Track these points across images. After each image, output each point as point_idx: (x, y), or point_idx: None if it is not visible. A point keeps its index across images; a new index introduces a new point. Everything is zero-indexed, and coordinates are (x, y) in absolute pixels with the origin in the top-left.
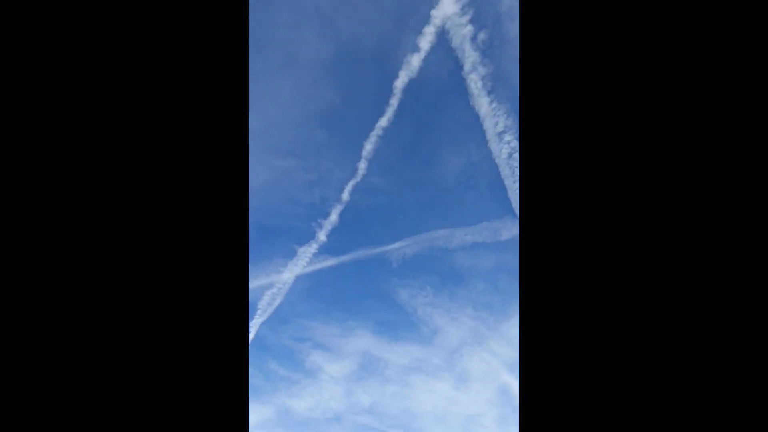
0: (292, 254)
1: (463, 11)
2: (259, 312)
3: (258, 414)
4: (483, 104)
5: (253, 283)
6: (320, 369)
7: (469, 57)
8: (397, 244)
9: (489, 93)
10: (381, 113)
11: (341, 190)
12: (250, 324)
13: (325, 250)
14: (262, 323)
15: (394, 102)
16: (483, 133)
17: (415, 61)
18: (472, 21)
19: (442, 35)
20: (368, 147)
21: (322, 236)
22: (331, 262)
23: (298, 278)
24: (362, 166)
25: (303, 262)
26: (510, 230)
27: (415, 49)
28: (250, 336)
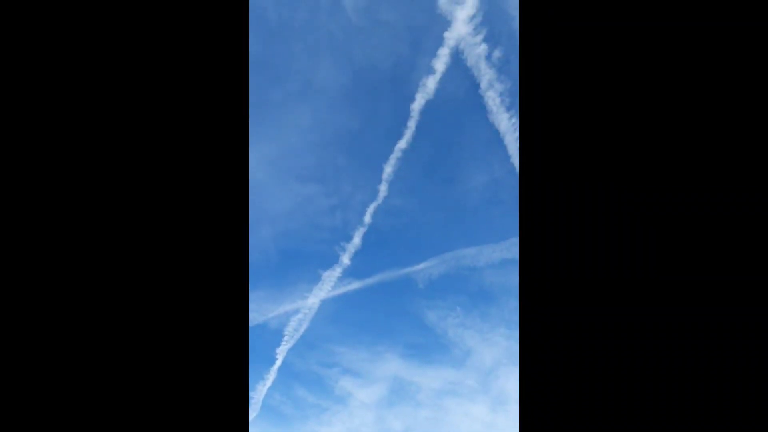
0: (316, 279)
1: (476, 31)
2: (285, 338)
3: None
4: (503, 120)
5: (278, 310)
6: (350, 395)
7: (485, 75)
8: (422, 265)
9: (508, 108)
10: (399, 136)
11: (363, 213)
12: (277, 351)
13: (350, 273)
14: (289, 349)
15: (411, 124)
16: (504, 148)
17: (431, 83)
18: (485, 40)
19: (457, 56)
20: (388, 169)
21: (345, 260)
22: (356, 285)
23: (324, 302)
24: (383, 188)
25: (328, 286)
26: None
27: (431, 71)
28: (278, 363)
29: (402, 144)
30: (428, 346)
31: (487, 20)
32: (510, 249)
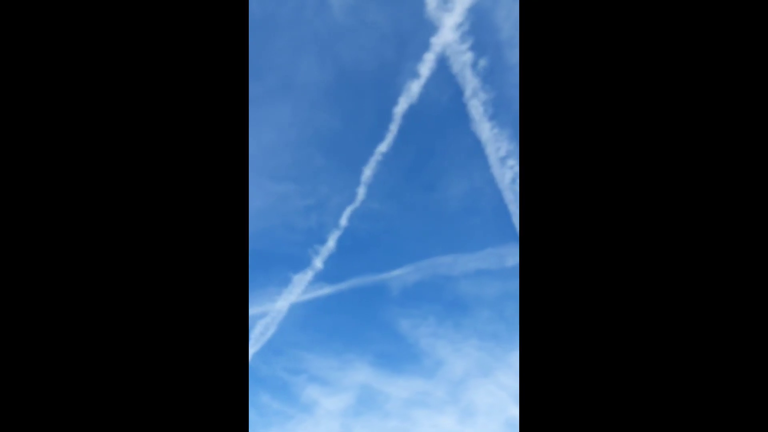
0: (286, 282)
1: (462, 39)
2: (251, 342)
3: None
4: (485, 129)
5: None
6: (316, 403)
7: (470, 83)
8: (397, 271)
9: (491, 118)
10: (381, 139)
11: (339, 215)
12: None
13: (322, 277)
14: (255, 354)
15: (393, 128)
16: (485, 158)
17: (415, 87)
18: (472, 48)
19: (443, 62)
20: (367, 172)
21: (318, 263)
22: (327, 290)
23: (293, 307)
24: (361, 191)
25: (298, 290)
26: (515, 257)
27: (415, 75)
28: None
29: (383, 147)
30: (399, 355)
31: (474, 29)
32: (486, 259)
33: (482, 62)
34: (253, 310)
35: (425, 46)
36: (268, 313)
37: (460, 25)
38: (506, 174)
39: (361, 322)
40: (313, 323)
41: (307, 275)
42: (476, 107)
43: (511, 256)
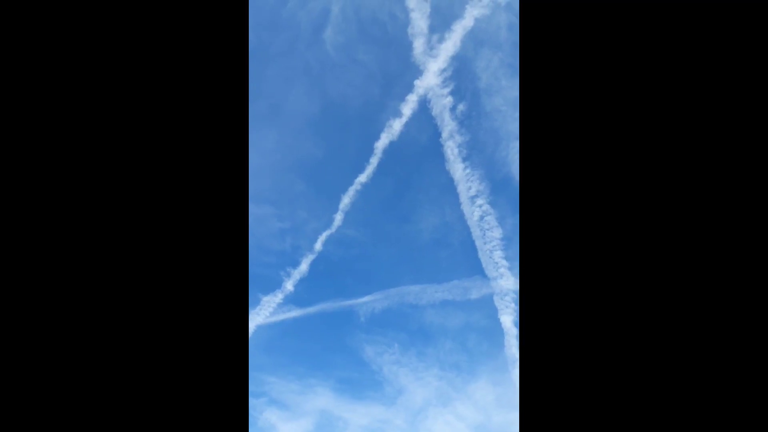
0: (255, 303)
1: (444, 83)
2: None
3: None
4: (458, 169)
5: None
6: (273, 428)
7: (448, 125)
8: (366, 298)
9: (464, 159)
10: (361, 170)
11: (315, 240)
12: None
13: (291, 300)
14: None
15: (374, 161)
16: (457, 195)
17: (396, 125)
18: (452, 93)
19: (424, 104)
20: (346, 200)
21: (289, 286)
22: (295, 313)
23: (259, 328)
24: (338, 218)
25: (266, 311)
26: (479, 290)
27: (398, 114)
28: None
29: (362, 178)
30: (361, 382)
31: (456, 75)
32: (451, 291)
33: (461, 107)
34: None
35: (409, 88)
36: None
37: (443, 70)
38: (475, 211)
39: (327, 347)
40: (278, 346)
41: (277, 297)
42: (452, 148)
43: (475, 289)
